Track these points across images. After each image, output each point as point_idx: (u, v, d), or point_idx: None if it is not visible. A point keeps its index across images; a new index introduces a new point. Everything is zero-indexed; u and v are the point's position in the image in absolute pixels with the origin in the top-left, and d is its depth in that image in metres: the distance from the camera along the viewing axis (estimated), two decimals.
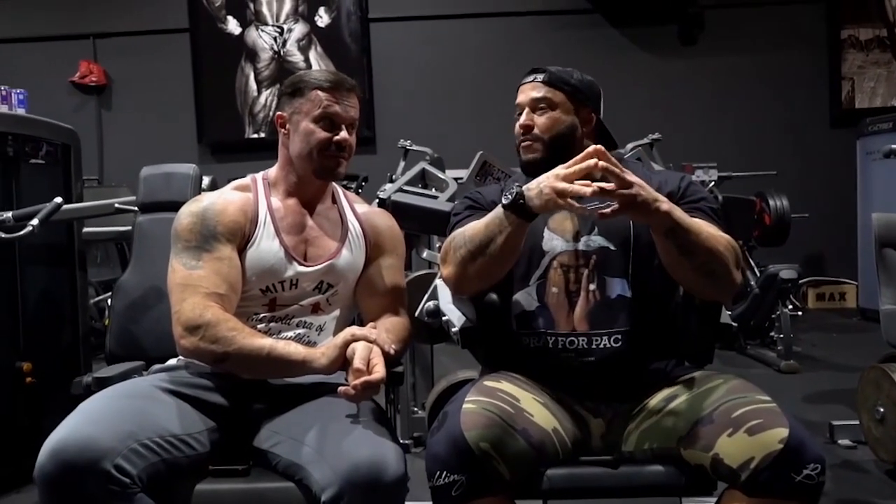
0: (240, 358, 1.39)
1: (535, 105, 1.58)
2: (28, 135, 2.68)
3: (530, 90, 1.60)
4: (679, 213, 1.36)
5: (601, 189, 1.27)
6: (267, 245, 1.53)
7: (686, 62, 6.02)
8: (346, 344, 1.38)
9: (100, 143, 6.16)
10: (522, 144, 1.60)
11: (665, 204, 1.33)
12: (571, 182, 1.30)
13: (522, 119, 1.59)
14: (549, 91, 1.58)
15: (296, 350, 1.41)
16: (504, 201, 1.39)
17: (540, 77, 1.59)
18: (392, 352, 1.41)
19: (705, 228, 1.40)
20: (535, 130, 1.57)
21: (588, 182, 1.29)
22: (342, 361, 1.38)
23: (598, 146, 1.31)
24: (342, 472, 1.21)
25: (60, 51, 6.11)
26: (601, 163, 1.28)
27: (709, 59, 5.99)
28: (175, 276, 1.48)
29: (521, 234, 1.42)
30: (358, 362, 1.33)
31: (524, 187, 1.37)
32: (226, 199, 1.56)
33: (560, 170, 1.32)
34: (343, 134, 1.55)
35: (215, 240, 1.49)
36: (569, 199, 1.29)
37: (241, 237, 1.53)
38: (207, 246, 1.48)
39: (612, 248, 1.52)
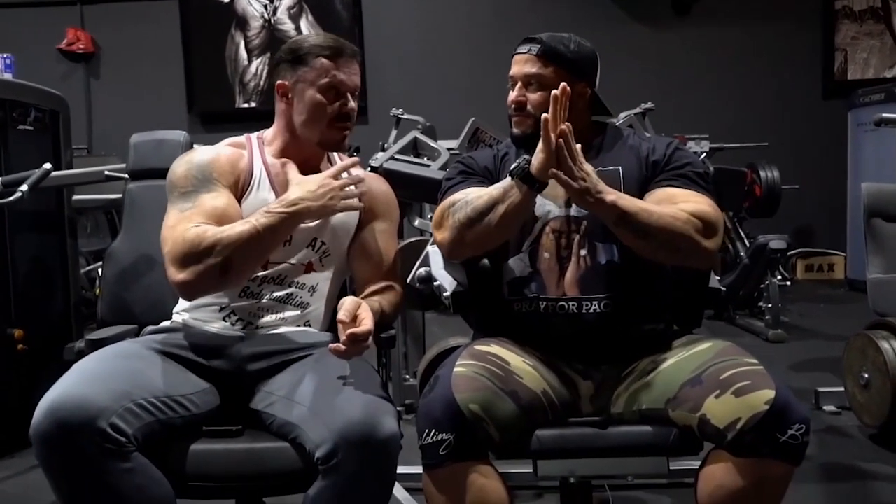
0: (238, 254, 1.38)
1: (528, 81, 1.54)
2: (16, 100, 2.66)
3: (523, 63, 1.54)
4: (626, 200, 1.38)
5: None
6: (262, 197, 1.53)
7: (679, 32, 5.98)
8: None
9: (88, 111, 6.09)
10: (514, 118, 1.57)
11: (610, 195, 1.36)
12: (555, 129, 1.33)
13: (515, 94, 1.56)
14: (543, 67, 1.52)
15: (275, 217, 1.41)
16: (512, 168, 1.40)
17: (534, 49, 1.53)
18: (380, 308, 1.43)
19: (657, 210, 1.40)
20: (528, 107, 1.54)
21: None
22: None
23: (546, 115, 1.33)
24: (336, 429, 1.23)
25: (47, 17, 6.01)
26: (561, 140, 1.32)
27: (702, 29, 5.96)
28: (168, 221, 1.46)
29: (525, 204, 1.42)
30: (342, 314, 1.32)
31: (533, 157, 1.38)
32: (219, 151, 1.56)
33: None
34: (350, 104, 1.54)
35: (211, 182, 1.49)
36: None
37: (236, 187, 1.52)
38: (203, 189, 1.48)
39: None
